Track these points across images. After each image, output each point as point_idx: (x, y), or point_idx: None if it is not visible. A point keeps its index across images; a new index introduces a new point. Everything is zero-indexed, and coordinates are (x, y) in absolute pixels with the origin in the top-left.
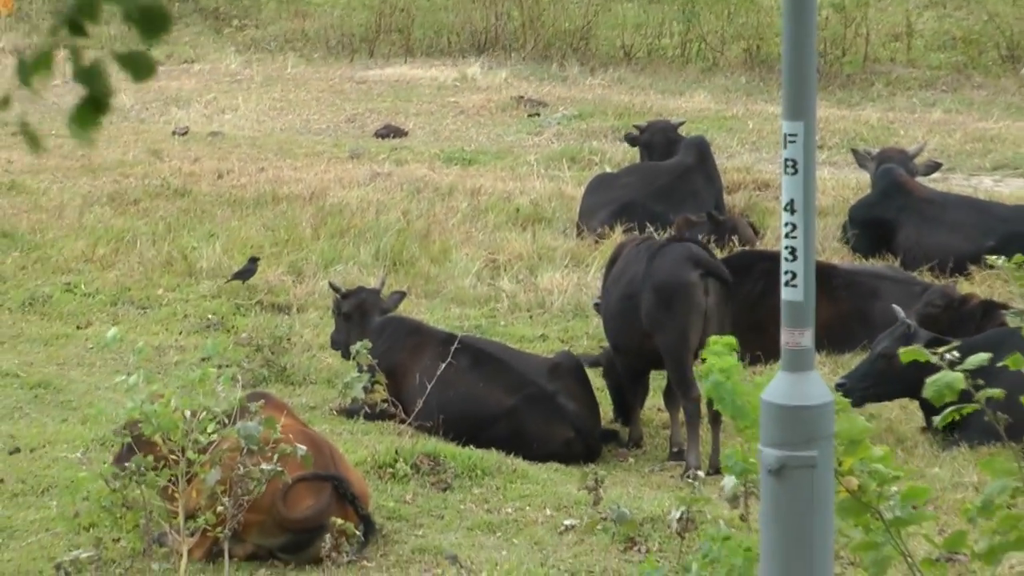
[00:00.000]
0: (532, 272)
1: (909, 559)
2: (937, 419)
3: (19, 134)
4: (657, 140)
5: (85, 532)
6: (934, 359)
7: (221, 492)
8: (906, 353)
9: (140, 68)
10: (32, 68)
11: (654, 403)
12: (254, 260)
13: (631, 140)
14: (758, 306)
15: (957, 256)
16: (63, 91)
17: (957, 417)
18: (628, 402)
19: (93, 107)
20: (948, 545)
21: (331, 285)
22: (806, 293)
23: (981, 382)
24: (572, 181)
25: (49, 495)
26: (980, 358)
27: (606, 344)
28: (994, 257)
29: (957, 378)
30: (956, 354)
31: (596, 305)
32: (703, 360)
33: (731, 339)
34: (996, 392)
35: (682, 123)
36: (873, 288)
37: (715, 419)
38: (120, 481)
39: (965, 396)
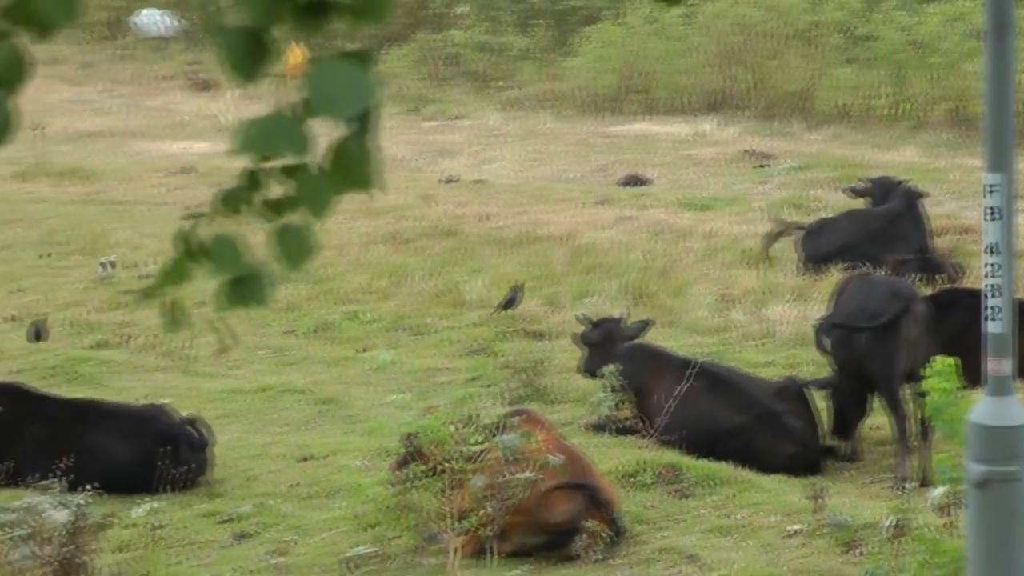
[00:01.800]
0: (760, 305)
1: None
2: None
3: None
4: (878, 193)
5: (367, 531)
6: None
7: (487, 497)
8: None
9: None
10: None
11: (871, 422)
12: (517, 289)
13: (856, 192)
14: (962, 338)
15: None
16: None
17: None
18: (849, 420)
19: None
20: None
21: (580, 316)
22: (1008, 326)
23: None
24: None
25: (336, 498)
26: None
27: (830, 369)
28: None
29: None
30: None
31: (820, 329)
32: (921, 382)
33: (952, 361)
34: None
35: (903, 182)
36: None
37: (925, 434)
38: (398, 486)
39: None
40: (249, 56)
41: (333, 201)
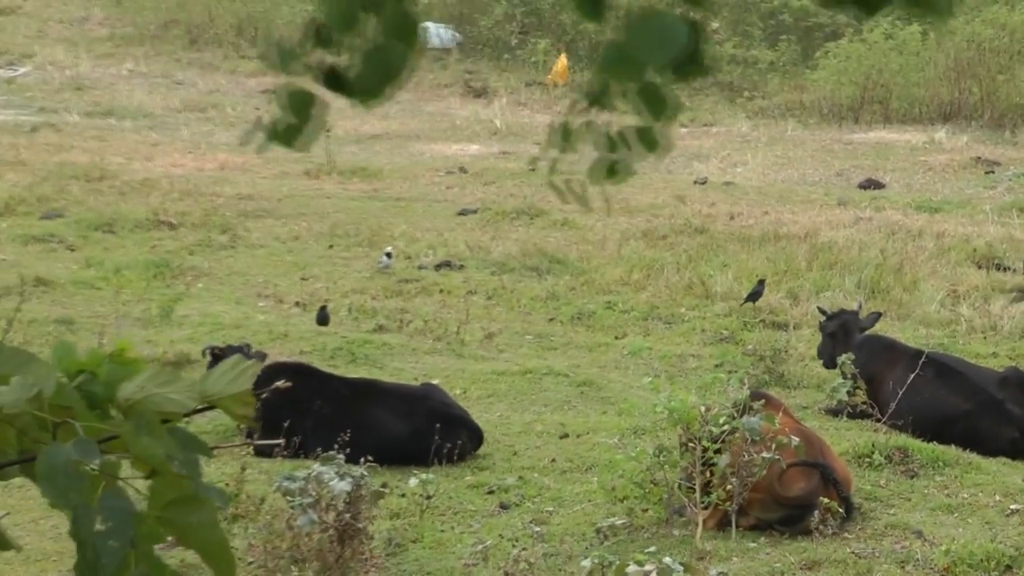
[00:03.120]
0: (986, 301)
1: None
2: None
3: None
4: None
5: (620, 503)
6: None
7: (730, 474)
8: None
9: (651, 142)
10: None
11: None
12: (761, 282)
13: None
14: None
15: None
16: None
17: None
18: None
19: (610, 171)
20: None
21: (819, 308)
22: None
23: None
24: (1022, 227)
25: (591, 472)
26: None
27: None
28: None
29: None
30: None
31: None
32: None
33: None
34: None
35: None
36: None
37: None
38: (650, 463)
39: None
40: None
41: None
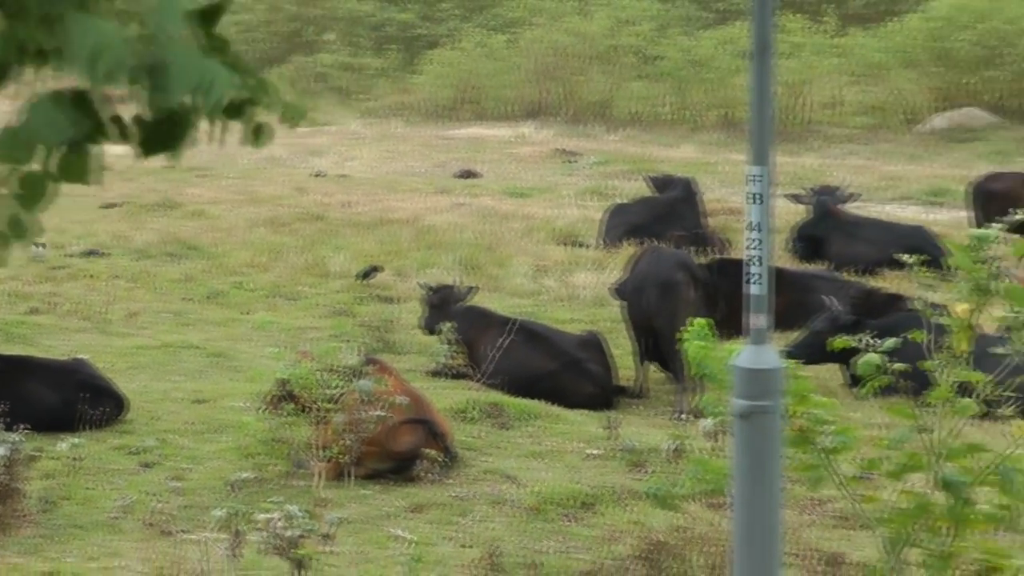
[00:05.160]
0: (567, 273)
1: (837, 476)
2: (862, 389)
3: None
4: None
5: (249, 459)
6: (857, 343)
7: (346, 431)
8: (838, 342)
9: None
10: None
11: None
12: (374, 268)
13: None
14: (730, 298)
15: (870, 262)
16: (237, 142)
17: (877, 387)
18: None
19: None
20: (866, 467)
21: (423, 284)
22: (764, 289)
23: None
24: (597, 209)
25: (224, 433)
26: (891, 343)
27: (622, 324)
28: (907, 257)
29: (877, 358)
30: (874, 340)
31: (614, 290)
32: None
33: (707, 321)
34: (901, 366)
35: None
36: (811, 285)
37: (699, 376)
38: (275, 423)
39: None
40: None
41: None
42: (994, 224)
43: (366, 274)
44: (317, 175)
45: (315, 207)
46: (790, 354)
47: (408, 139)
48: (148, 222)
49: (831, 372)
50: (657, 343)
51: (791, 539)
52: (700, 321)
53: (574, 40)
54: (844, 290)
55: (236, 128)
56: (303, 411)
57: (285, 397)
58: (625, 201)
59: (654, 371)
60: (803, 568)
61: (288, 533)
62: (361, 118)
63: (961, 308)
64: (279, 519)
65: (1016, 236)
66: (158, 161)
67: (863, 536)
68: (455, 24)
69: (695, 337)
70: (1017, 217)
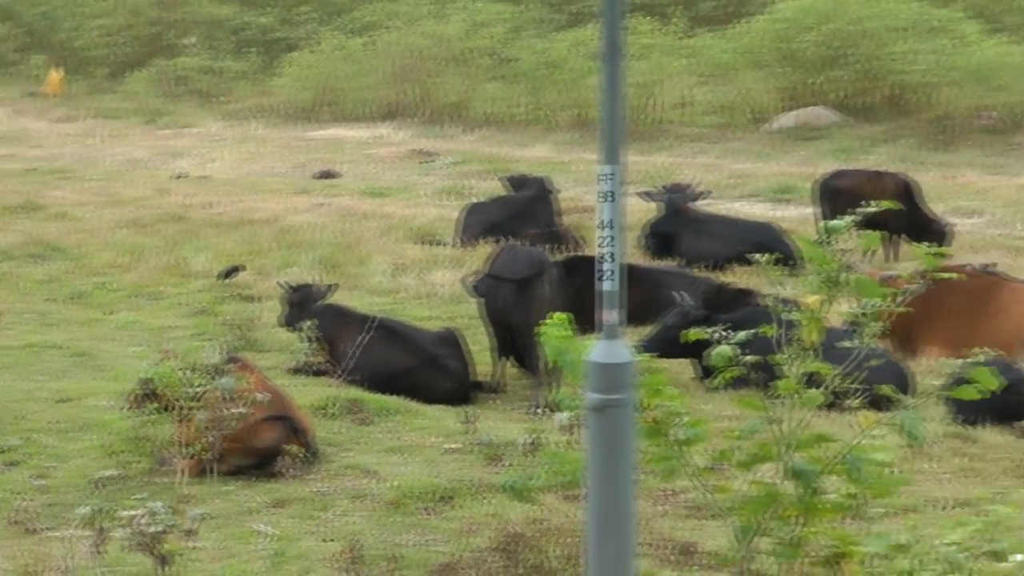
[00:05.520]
0: (425, 271)
1: (689, 467)
2: (714, 380)
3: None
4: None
5: (113, 457)
6: (709, 337)
7: (208, 428)
8: (692, 334)
9: None
10: None
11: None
12: (236, 268)
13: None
14: (583, 294)
15: (720, 258)
16: (99, 145)
17: (729, 378)
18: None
19: None
20: (717, 458)
21: (283, 282)
22: (617, 284)
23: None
24: (453, 208)
25: (88, 431)
26: (743, 335)
27: (479, 320)
28: (756, 256)
29: (729, 350)
30: (727, 332)
31: (471, 287)
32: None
33: (566, 316)
34: (753, 358)
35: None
36: (663, 281)
37: (554, 371)
38: (138, 421)
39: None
40: None
41: None
42: (842, 219)
43: (227, 273)
44: (179, 177)
45: (177, 208)
46: (643, 348)
47: (268, 141)
48: (11, 224)
49: (683, 366)
50: (514, 339)
51: (645, 529)
52: (560, 315)
53: (430, 43)
54: (695, 286)
55: (102, 130)
56: (166, 409)
57: (148, 395)
58: (481, 200)
59: (511, 367)
60: (657, 557)
61: (151, 529)
62: (222, 120)
63: (811, 300)
64: (143, 515)
65: (864, 231)
66: (21, 163)
67: (715, 525)
68: (313, 27)
69: (554, 330)
70: (866, 211)
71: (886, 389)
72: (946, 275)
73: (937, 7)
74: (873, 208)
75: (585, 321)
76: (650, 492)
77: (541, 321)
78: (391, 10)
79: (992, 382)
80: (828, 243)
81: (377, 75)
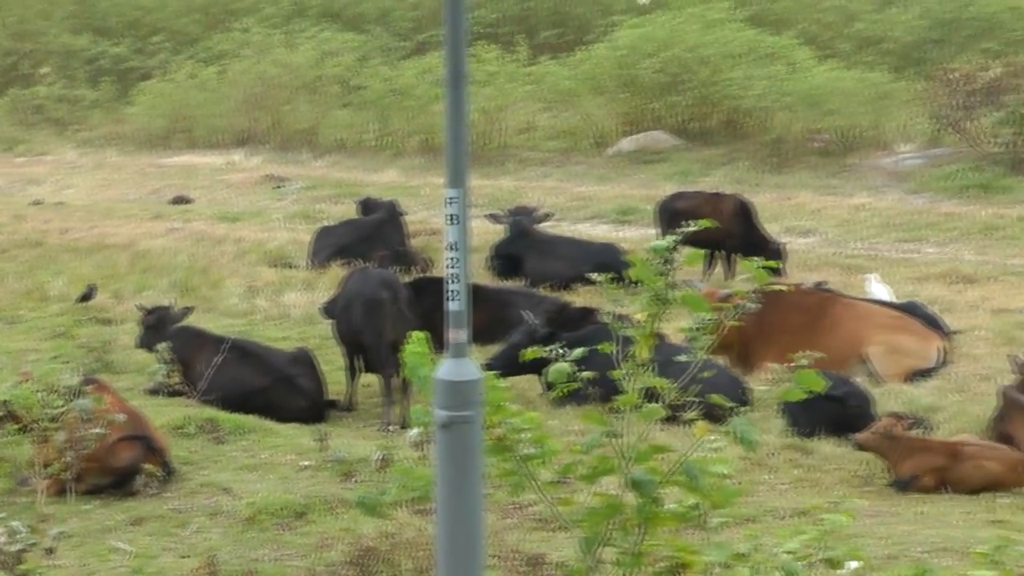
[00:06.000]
0: (278, 293)
1: (535, 482)
2: (553, 393)
3: None
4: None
5: None
6: (548, 354)
7: (66, 448)
8: (530, 352)
9: None
10: None
11: (367, 380)
12: (92, 287)
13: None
14: (432, 314)
15: (565, 278)
16: None
17: (566, 392)
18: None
19: None
20: (562, 472)
21: (139, 305)
22: (464, 305)
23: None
24: (305, 232)
25: None
26: (580, 352)
27: (332, 340)
28: (596, 275)
29: (567, 366)
30: (564, 350)
31: (323, 309)
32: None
33: (424, 334)
34: (589, 374)
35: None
36: (509, 301)
37: (405, 389)
38: None
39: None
40: None
41: None
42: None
43: (85, 296)
44: (35, 203)
45: (34, 234)
46: (489, 366)
47: (123, 167)
48: None
49: (531, 382)
50: (366, 357)
51: (494, 542)
52: (419, 334)
53: (281, 71)
54: (540, 305)
55: None
56: (25, 430)
57: (7, 417)
58: (332, 223)
59: (363, 385)
60: (506, 569)
61: (11, 548)
62: (77, 148)
63: (642, 316)
64: (2, 534)
65: (694, 248)
66: None
67: (561, 537)
68: (166, 56)
69: (412, 347)
70: (689, 229)
71: (718, 399)
72: (777, 287)
73: (771, 35)
74: (694, 228)
75: (434, 340)
76: (499, 506)
77: (391, 340)
78: (242, 40)
79: (818, 384)
80: (656, 262)
81: (229, 103)
